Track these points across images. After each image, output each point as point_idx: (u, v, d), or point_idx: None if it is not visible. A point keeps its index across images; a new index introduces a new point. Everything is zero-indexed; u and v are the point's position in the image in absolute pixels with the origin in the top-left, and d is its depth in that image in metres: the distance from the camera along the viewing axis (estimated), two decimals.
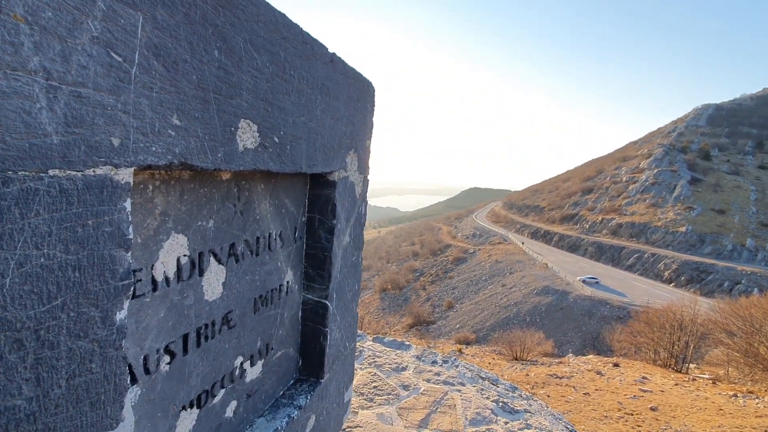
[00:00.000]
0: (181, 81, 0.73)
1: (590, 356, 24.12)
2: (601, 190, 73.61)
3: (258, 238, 1.19)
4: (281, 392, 1.48)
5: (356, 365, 3.75)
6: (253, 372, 1.26)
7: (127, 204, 0.67)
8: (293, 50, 1.05)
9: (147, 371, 0.86)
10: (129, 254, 0.69)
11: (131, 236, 0.69)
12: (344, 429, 2.61)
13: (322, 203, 1.41)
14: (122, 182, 0.66)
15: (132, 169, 0.67)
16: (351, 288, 1.67)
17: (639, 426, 13.60)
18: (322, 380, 1.53)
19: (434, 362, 3.81)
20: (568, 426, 3.07)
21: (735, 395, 17.89)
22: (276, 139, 1.03)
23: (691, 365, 22.55)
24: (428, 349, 4.05)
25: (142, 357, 0.85)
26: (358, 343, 4.14)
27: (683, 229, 50.05)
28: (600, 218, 61.73)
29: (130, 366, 0.81)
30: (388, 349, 4.06)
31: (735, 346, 19.76)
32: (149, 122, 0.68)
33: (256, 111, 0.93)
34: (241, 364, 1.19)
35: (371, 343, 4.20)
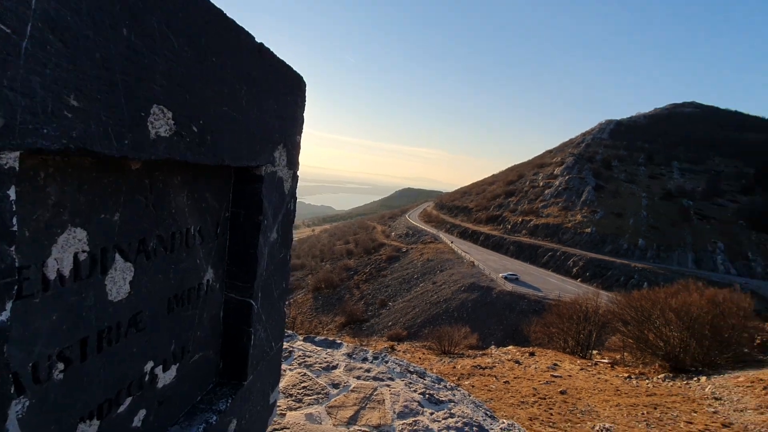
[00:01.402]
0: (81, 59, 0.66)
1: (510, 347, 26.06)
2: (522, 194, 79.81)
3: (173, 233, 1.11)
4: (199, 397, 1.40)
5: (285, 366, 3.66)
6: (166, 377, 1.18)
7: (12, 192, 0.60)
8: (216, 37, 1.00)
9: (37, 380, 0.77)
10: (13, 249, 0.61)
11: (16, 228, 0.61)
12: (270, 431, 2.54)
13: (247, 198, 1.36)
14: (6, 167, 0.58)
15: (18, 153, 0.60)
16: (278, 286, 1.64)
17: (550, 408, 14.98)
18: (245, 382, 1.48)
19: (365, 359, 3.86)
20: (488, 412, 3.30)
21: (629, 377, 20.50)
22: (194, 128, 0.97)
23: (594, 351, 25.38)
24: (359, 346, 4.09)
25: (31, 364, 0.76)
26: (288, 344, 4.05)
27: (588, 230, 56.12)
28: (520, 219, 66.90)
29: (15, 374, 0.72)
30: (319, 348, 4.02)
31: (629, 334, 22.64)
32: (41, 102, 0.61)
33: (171, 97, 0.87)
34: (152, 369, 1.11)
35: (302, 342, 4.13)
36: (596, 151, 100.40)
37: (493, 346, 27.23)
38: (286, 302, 1.77)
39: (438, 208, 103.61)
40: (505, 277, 43.18)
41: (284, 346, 4.07)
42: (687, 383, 17.52)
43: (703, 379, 17.47)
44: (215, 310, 1.40)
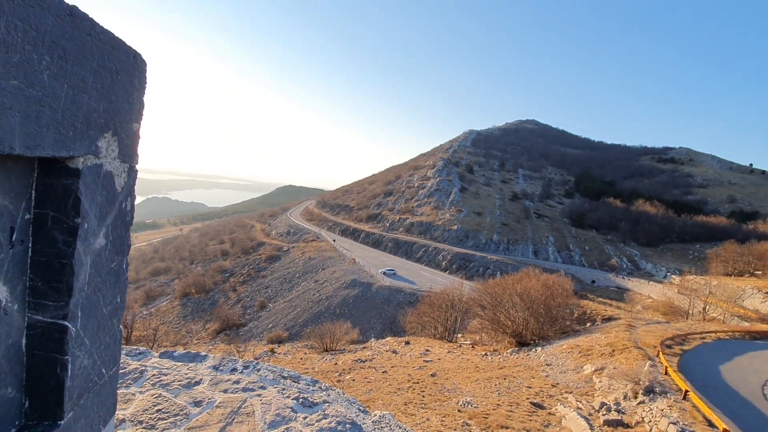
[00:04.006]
0: None
1: (388, 338, 27.48)
2: (399, 193, 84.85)
3: None
4: None
5: (136, 389, 3.16)
6: None
7: None
8: None
9: None
10: None
11: None
12: None
13: (58, 196, 1.09)
14: None
15: None
16: (110, 301, 1.37)
17: (423, 391, 16.16)
18: (62, 421, 1.20)
19: (234, 370, 3.57)
20: (361, 407, 3.37)
21: (486, 354, 23.36)
22: None
23: (458, 335, 28.48)
24: (227, 356, 3.77)
25: None
26: (138, 362, 3.50)
27: (455, 227, 62.65)
28: (398, 218, 71.03)
29: None
30: (179, 363, 3.57)
31: (486, 316, 26.02)
32: None
33: None
34: None
35: (157, 359, 3.61)
36: (461, 156, 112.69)
37: (372, 339, 28.36)
38: (122, 318, 1.50)
39: (320, 206, 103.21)
40: (384, 273, 45.32)
41: (135, 366, 3.51)
42: (528, 354, 20.99)
43: (539, 349, 21.19)
44: (13, 337, 1.09)
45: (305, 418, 2.97)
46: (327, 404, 3.19)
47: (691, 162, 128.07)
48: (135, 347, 3.76)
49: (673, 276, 47.19)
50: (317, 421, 2.94)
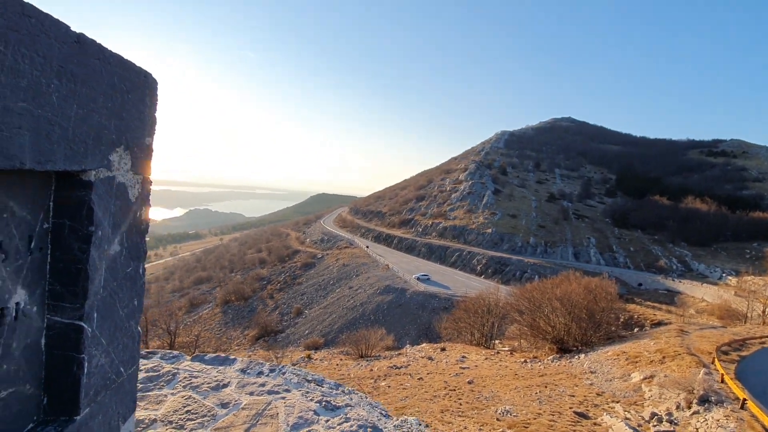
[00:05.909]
0: None
1: (424, 345, 27.20)
2: (431, 198, 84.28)
3: None
4: None
5: (167, 390, 3.32)
6: None
7: None
8: (3, 21, 0.86)
9: None
10: None
11: None
12: None
13: (73, 207, 1.19)
14: None
15: None
16: (126, 304, 1.46)
17: (460, 398, 15.85)
18: (78, 417, 1.29)
19: (260, 373, 3.68)
20: (383, 411, 3.37)
21: (525, 361, 22.60)
22: None
23: (496, 341, 27.73)
24: (254, 360, 3.89)
25: None
26: (172, 365, 3.68)
27: (489, 230, 61.35)
28: (430, 222, 70.51)
29: None
30: (209, 366, 3.73)
31: (524, 322, 25.18)
32: None
33: None
34: None
35: (189, 363, 3.79)
36: (494, 158, 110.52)
37: (408, 345, 28.19)
38: (140, 320, 1.60)
39: (353, 213, 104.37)
40: (418, 278, 45.02)
41: (168, 369, 3.70)
42: (570, 361, 20.08)
43: (582, 356, 20.22)
44: (33, 337, 1.20)
45: (327, 421, 3.00)
46: (349, 408, 3.21)
47: (745, 155, 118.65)
48: (169, 351, 3.96)
49: (729, 277, 43.78)
50: (339, 425, 2.97)
